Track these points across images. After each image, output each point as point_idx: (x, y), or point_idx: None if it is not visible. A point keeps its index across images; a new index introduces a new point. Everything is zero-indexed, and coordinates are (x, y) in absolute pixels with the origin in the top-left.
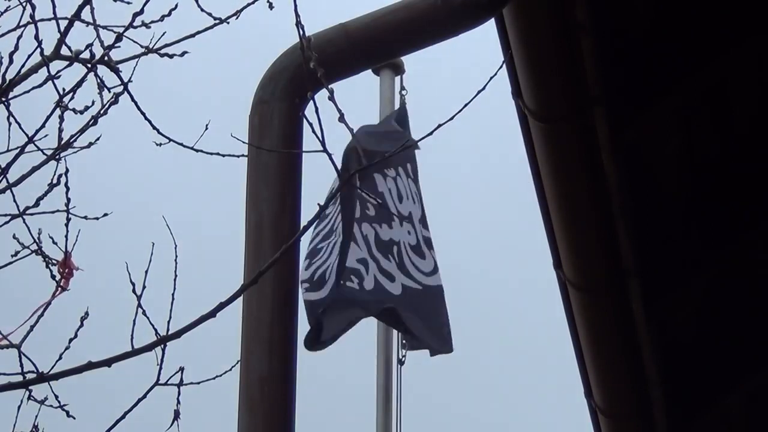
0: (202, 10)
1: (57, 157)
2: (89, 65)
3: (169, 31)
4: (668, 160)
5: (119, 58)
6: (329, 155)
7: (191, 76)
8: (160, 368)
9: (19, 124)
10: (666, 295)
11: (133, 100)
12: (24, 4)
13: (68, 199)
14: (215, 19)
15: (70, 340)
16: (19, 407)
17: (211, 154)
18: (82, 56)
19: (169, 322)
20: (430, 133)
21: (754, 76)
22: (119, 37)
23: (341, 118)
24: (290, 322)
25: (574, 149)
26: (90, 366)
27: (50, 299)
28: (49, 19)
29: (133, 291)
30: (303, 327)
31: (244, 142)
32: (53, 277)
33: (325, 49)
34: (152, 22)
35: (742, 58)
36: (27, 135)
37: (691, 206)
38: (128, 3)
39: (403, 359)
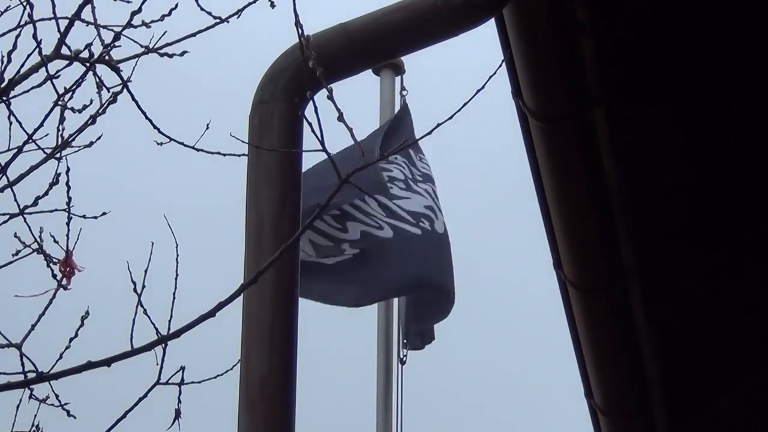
0: (202, 9)
1: (57, 155)
2: (88, 64)
3: (169, 30)
4: (668, 160)
5: (119, 57)
6: (329, 155)
7: (191, 75)
8: (161, 367)
9: (20, 123)
10: (666, 295)
11: (133, 99)
12: (24, 4)
13: (69, 198)
14: (215, 18)
15: (71, 340)
16: (18, 406)
17: (212, 153)
18: (81, 55)
19: (170, 321)
20: (429, 133)
21: (754, 76)
22: (117, 36)
23: (340, 118)
24: (290, 322)
25: (574, 149)
26: (90, 365)
27: (51, 297)
28: (49, 19)
29: (134, 290)
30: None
31: (244, 142)
32: (54, 276)
33: (325, 49)
34: (152, 21)
35: (742, 58)
36: (27, 133)
37: (691, 206)
38: (128, 2)
39: (404, 359)
